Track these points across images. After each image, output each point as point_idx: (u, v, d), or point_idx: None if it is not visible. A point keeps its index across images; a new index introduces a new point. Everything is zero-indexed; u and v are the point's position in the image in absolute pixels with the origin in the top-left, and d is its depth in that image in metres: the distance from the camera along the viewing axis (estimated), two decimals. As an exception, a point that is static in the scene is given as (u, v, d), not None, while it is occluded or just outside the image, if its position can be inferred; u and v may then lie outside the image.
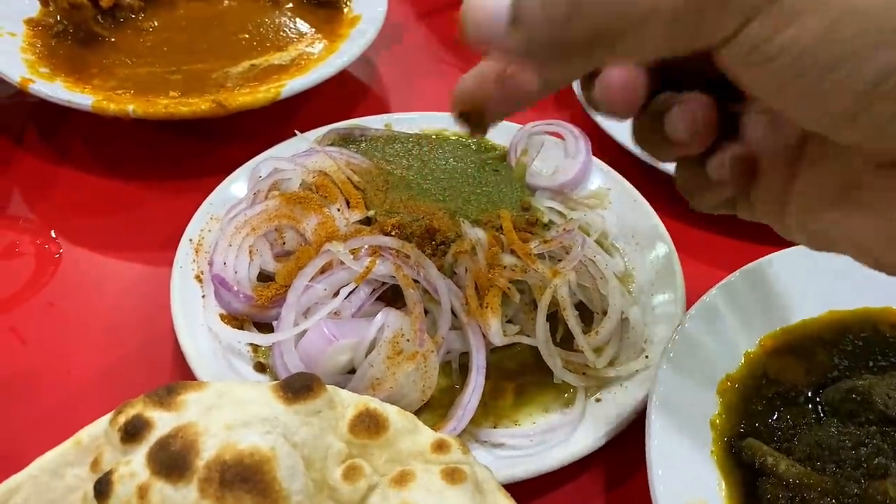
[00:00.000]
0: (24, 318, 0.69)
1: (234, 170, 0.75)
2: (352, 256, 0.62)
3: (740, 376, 0.58)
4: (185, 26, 0.90)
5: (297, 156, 0.75)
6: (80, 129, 0.85)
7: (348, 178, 0.72)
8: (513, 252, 0.66)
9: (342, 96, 0.94)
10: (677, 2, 0.29)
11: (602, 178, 0.79)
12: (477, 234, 0.66)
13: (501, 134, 0.82)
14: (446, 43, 1.09)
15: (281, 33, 0.89)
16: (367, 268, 0.61)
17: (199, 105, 0.75)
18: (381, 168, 0.76)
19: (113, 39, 0.87)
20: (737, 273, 0.63)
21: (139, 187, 0.81)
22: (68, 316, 0.70)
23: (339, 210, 0.68)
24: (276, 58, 0.85)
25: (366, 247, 0.63)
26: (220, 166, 0.77)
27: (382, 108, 0.95)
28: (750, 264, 0.64)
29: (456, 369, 0.63)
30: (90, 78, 0.81)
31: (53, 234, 0.76)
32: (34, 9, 0.90)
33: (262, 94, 0.77)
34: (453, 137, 0.83)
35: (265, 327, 0.65)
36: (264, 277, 0.67)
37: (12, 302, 0.71)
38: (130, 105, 0.74)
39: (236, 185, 0.74)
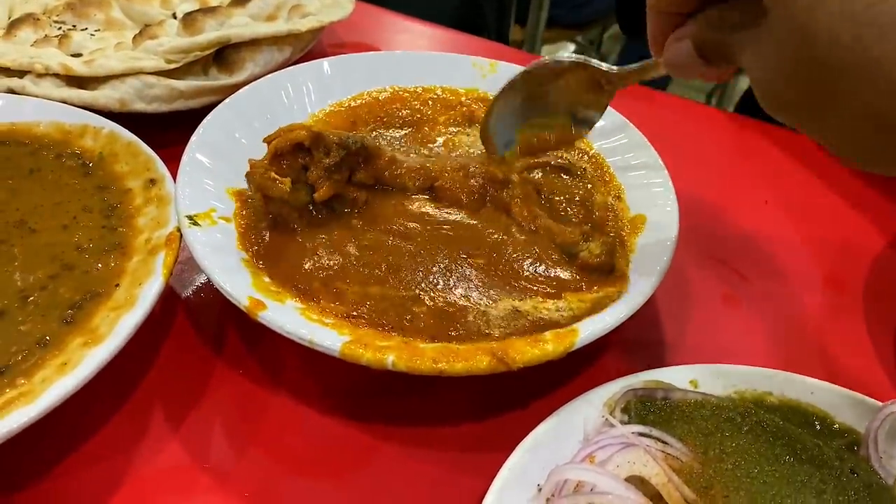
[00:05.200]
0: None
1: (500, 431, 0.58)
2: None
3: None
4: (412, 232, 0.73)
5: (595, 444, 0.57)
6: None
7: (680, 493, 0.53)
8: None
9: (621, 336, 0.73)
10: None
11: None
12: None
13: (850, 411, 0.62)
14: (732, 289, 0.83)
15: (543, 267, 0.71)
16: None
17: (475, 362, 0.58)
18: (707, 464, 0.57)
19: (323, 236, 0.71)
20: None
21: (374, 437, 0.64)
22: None
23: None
24: (547, 308, 0.66)
25: None
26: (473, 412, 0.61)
27: (673, 353, 0.74)
28: None
29: None
30: (313, 295, 0.65)
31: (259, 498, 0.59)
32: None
33: (551, 345, 0.59)
34: (779, 402, 0.63)
35: None
36: None
37: None
38: (390, 355, 0.57)
39: (521, 471, 0.56)
